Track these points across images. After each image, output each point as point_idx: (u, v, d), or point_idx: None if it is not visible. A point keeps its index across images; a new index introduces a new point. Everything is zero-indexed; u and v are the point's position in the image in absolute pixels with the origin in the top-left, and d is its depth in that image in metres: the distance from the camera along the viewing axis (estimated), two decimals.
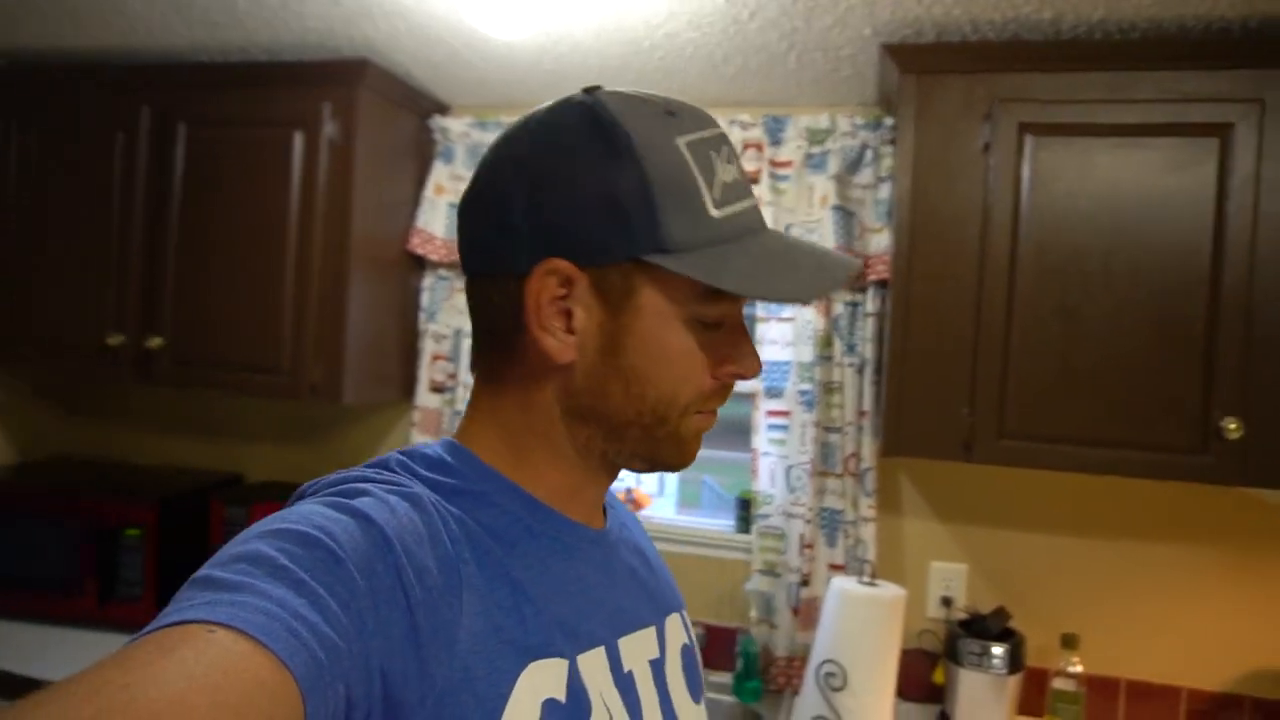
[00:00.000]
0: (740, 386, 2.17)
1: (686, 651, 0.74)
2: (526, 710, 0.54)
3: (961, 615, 1.88)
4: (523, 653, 0.56)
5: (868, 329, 1.94)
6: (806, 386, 1.98)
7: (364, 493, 0.55)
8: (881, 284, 1.91)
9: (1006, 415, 1.60)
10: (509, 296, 0.60)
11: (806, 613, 1.95)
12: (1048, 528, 1.92)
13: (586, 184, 0.58)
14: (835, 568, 1.96)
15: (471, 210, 0.63)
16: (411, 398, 2.26)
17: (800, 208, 2.00)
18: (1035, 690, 1.85)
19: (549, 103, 0.63)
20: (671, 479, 2.64)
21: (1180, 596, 1.85)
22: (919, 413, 1.66)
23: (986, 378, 1.61)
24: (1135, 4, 1.49)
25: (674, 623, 0.74)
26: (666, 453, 0.64)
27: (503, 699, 0.53)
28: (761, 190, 2.01)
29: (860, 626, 1.69)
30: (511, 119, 2.01)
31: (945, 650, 1.84)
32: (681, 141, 0.60)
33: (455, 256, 2.19)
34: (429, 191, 2.22)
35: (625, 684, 0.64)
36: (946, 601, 1.95)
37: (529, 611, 0.58)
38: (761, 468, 2.04)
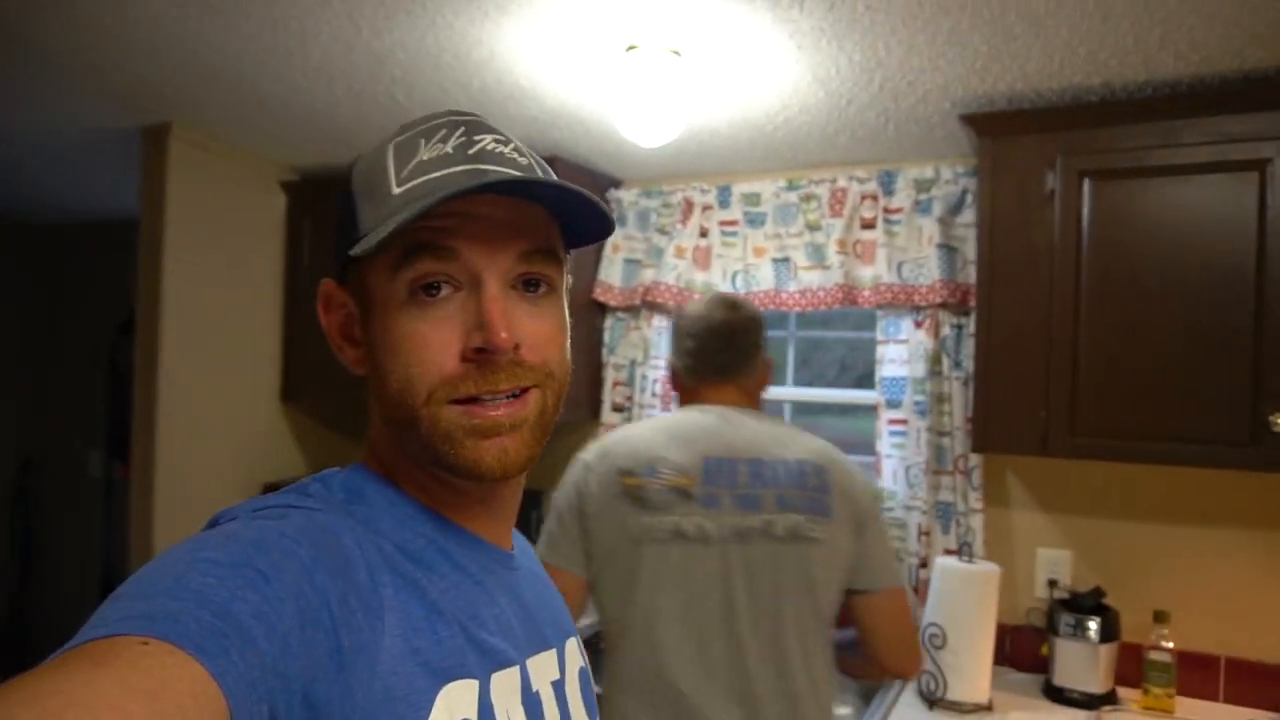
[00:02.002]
0: (859, 399, 2.55)
1: (583, 674, 0.77)
2: None
3: (1063, 595, 2.15)
4: (439, 674, 0.57)
5: (969, 347, 2.27)
6: (920, 398, 2.34)
7: (285, 516, 0.56)
8: None
9: (1076, 415, 1.90)
10: None
11: (924, 590, 2.28)
12: (1144, 516, 2.15)
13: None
14: (949, 552, 2.29)
15: None
16: (598, 416, 2.80)
17: (911, 247, 2.36)
18: (1133, 663, 2.08)
19: None
20: None
21: (1274, 580, 2.03)
22: (1002, 415, 1.98)
23: (1059, 384, 1.91)
24: (1174, 65, 1.77)
25: (572, 646, 0.76)
26: (444, 454, 0.62)
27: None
28: (876, 234, 2.39)
29: (957, 596, 2.02)
30: (673, 186, 2.46)
31: (1047, 624, 2.12)
32: (393, 142, 0.64)
33: (630, 301, 2.71)
34: (607, 250, 2.76)
35: (531, 704, 0.65)
36: (1053, 583, 2.22)
37: (445, 633, 0.59)
38: (885, 468, 2.40)
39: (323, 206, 2.94)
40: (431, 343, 0.60)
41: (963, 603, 2.02)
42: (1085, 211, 1.90)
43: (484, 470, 0.61)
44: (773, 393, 2.76)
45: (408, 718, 0.54)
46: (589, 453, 1.53)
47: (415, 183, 0.60)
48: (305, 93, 2.22)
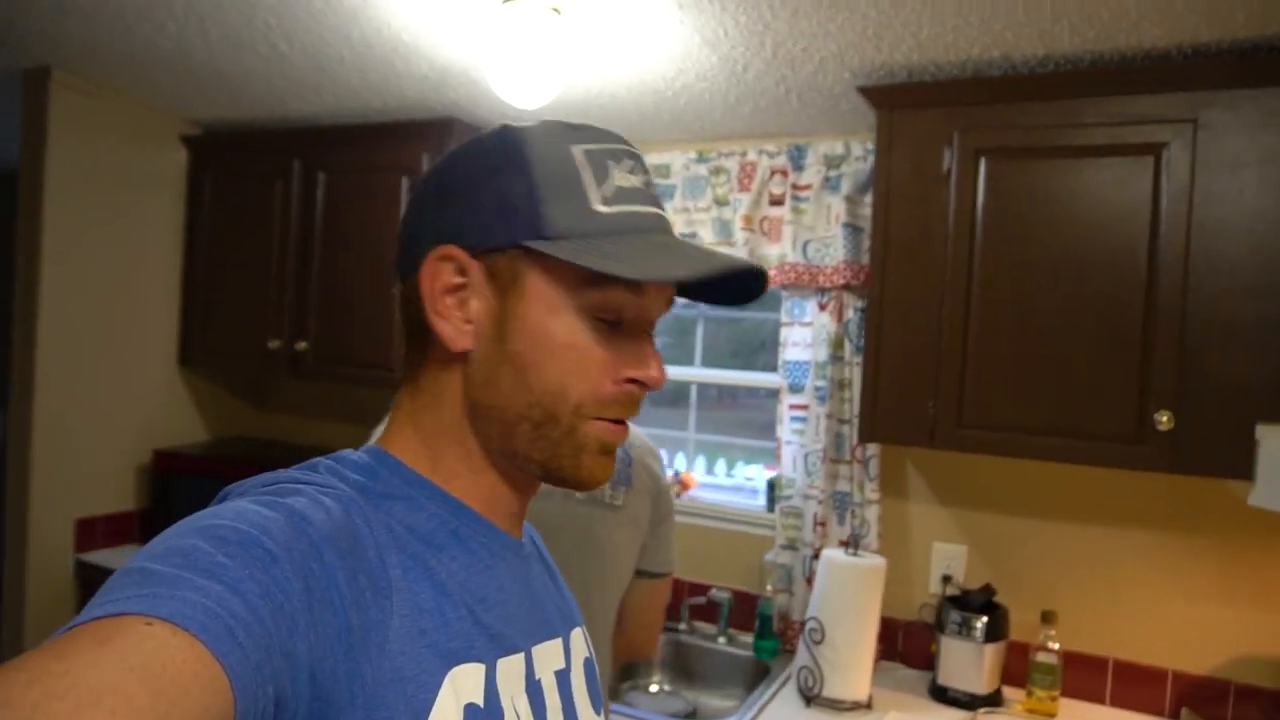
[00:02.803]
0: (764, 381, 2.46)
1: (588, 664, 0.76)
2: (450, 714, 0.56)
3: (954, 591, 2.08)
4: (447, 656, 0.57)
5: None
6: (821, 383, 2.25)
7: (297, 493, 0.56)
8: None
9: (965, 407, 1.81)
10: (415, 290, 0.64)
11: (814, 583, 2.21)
12: (1039, 513, 2.08)
13: (482, 184, 0.62)
14: (843, 544, 2.21)
15: (402, 220, 0.68)
16: None
17: (819, 225, 2.26)
18: (1020, 662, 2.01)
19: None
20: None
21: (1166, 582, 1.96)
22: (890, 404, 1.89)
23: (947, 373, 1.83)
24: (1070, 40, 1.67)
25: (577, 636, 0.76)
26: (563, 460, 0.63)
27: (429, 702, 0.55)
28: (784, 211, 2.29)
29: (839, 589, 1.94)
30: None
31: (935, 621, 2.05)
32: (577, 148, 0.62)
33: None
34: None
35: (534, 691, 0.65)
36: (947, 579, 2.15)
37: (453, 615, 0.59)
38: (785, 455, 2.32)
39: (227, 162, 2.81)
40: (597, 361, 0.61)
41: (845, 597, 1.94)
42: (980, 192, 1.80)
43: (588, 481, 0.64)
44: (678, 373, 2.68)
45: (416, 699, 0.54)
46: None
47: (623, 209, 0.61)
48: (178, 38, 2.09)
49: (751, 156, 2.34)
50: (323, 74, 2.25)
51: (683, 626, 2.39)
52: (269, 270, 2.69)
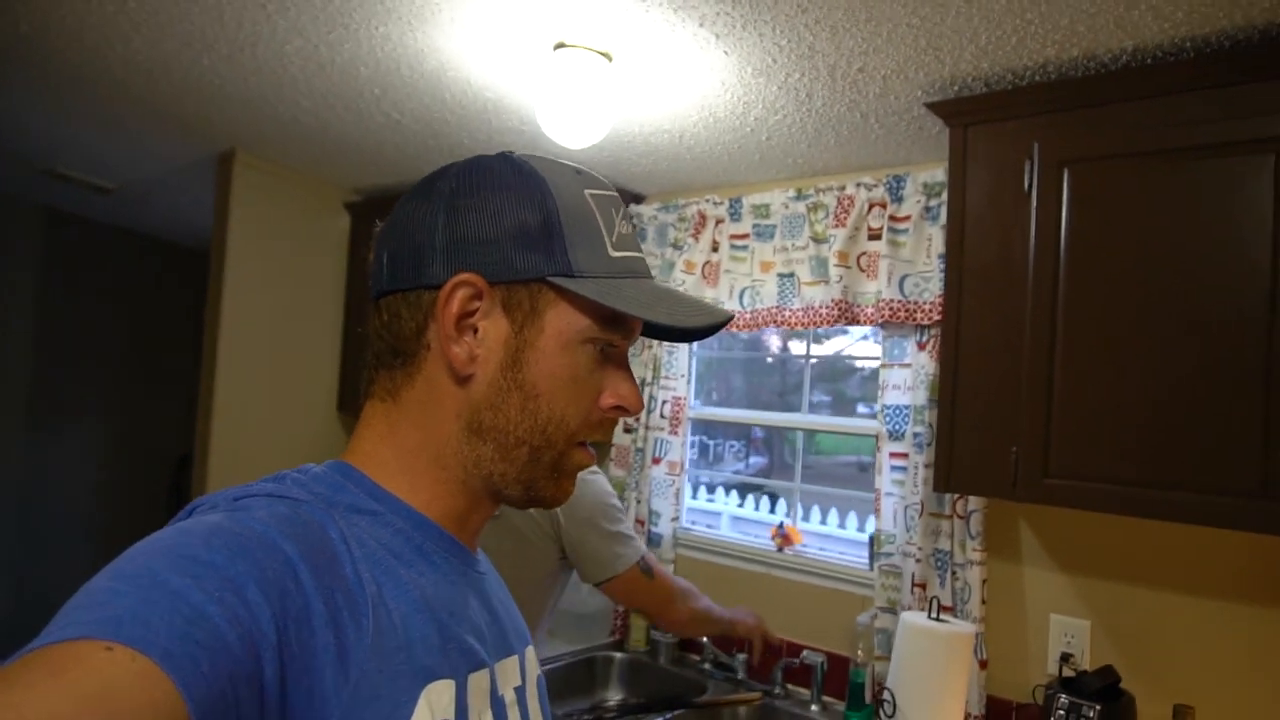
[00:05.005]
0: (864, 428, 2.28)
1: (540, 682, 0.76)
2: None
3: (1070, 672, 1.79)
4: (421, 672, 0.57)
5: None
6: (920, 429, 2.05)
7: (270, 507, 0.55)
8: None
9: (1051, 454, 1.58)
10: (419, 309, 0.64)
11: None
12: (1183, 587, 1.74)
13: (504, 211, 0.63)
14: (945, 609, 1.97)
15: (392, 234, 0.66)
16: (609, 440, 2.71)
17: (917, 259, 2.10)
18: None
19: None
20: None
21: None
22: (969, 450, 1.69)
23: (1031, 417, 1.60)
24: (1158, 28, 1.46)
25: (530, 654, 0.76)
26: (544, 482, 0.66)
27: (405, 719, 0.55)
28: (880, 246, 2.15)
29: (915, 658, 1.73)
30: (688, 199, 2.30)
31: (1043, 707, 1.77)
32: (588, 193, 0.66)
33: None
34: None
35: (498, 708, 0.65)
36: (1066, 658, 1.85)
37: (426, 631, 0.59)
38: (884, 508, 2.13)
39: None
40: (590, 392, 0.66)
41: (921, 666, 1.73)
42: (1065, 208, 1.59)
43: (555, 501, 0.68)
44: (774, 418, 2.56)
45: (392, 717, 0.54)
46: None
47: (626, 254, 0.67)
48: (315, 114, 2.36)
49: (850, 190, 2.22)
50: (437, 138, 2.44)
51: (776, 690, 2.23)
52: None
